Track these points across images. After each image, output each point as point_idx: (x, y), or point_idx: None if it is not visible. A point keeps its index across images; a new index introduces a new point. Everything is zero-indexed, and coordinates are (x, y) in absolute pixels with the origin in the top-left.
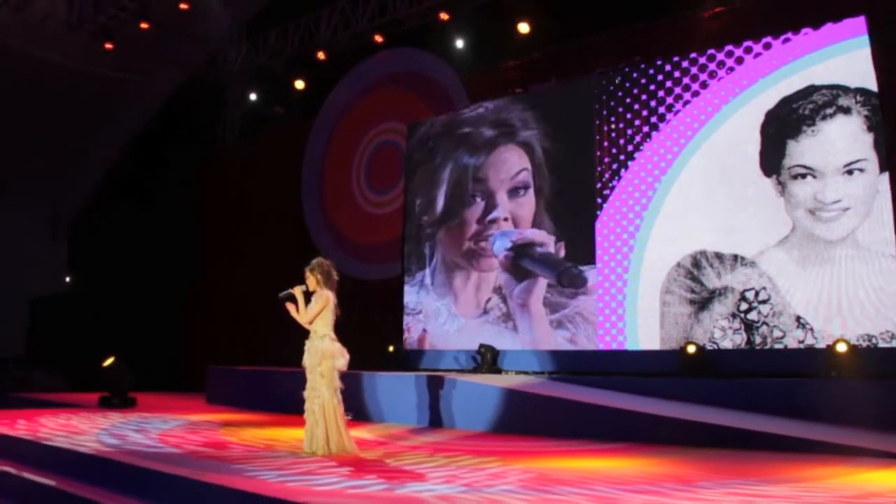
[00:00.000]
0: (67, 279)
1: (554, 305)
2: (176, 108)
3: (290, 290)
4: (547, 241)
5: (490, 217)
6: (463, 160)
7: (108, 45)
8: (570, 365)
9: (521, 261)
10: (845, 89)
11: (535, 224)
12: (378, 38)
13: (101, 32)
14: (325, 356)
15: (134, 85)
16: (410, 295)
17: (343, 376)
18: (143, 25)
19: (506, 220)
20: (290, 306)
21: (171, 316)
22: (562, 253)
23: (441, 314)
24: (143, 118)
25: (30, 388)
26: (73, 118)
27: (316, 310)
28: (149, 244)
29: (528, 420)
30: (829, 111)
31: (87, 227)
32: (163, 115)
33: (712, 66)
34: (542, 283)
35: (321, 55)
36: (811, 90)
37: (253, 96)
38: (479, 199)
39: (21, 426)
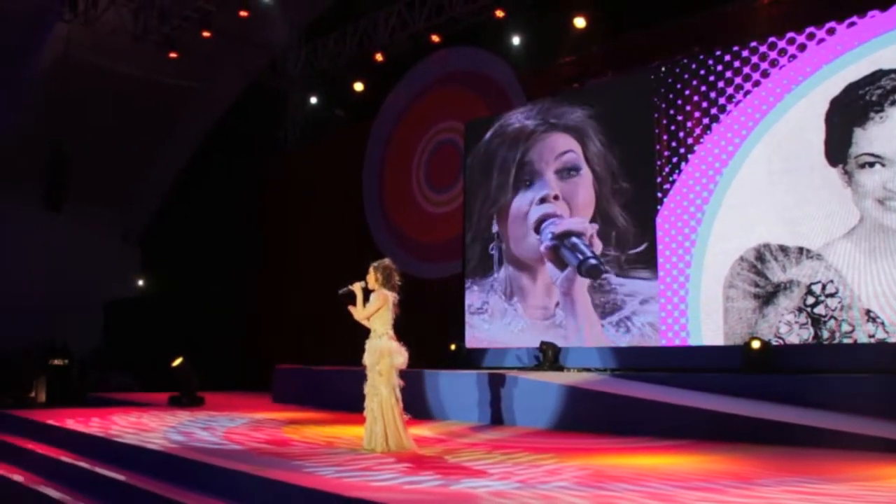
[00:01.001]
0: (139, 283)
1: (613, 301)
2: (238, 114)
3: (350, 287)
4: (585, 230)
5: (541, 195)
6: (520, 156)
7: (173, 55)
8: (632, 362)
9: (560, 250)
10: None
11: (592, 219)
12: (435, 38)
13: (165, 42)
14: (383, 354)
15: (198, 92)
16: (472, 293)
17: (404, 374)
18: (206, 34)
19: (556, 197)
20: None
21: (239, 316)
22: (596, 242)
23: (507, 313)
24: (207, 124)
25: (105, 388)
26: (142, 126)
27: (373, 308)
28: (214, 248)
29: (589, 417)
30: None
31: (156, 232)
32: (226, 121)
33: (773, 55)
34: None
35: (379, 57)
36: (879, 75)
37: (313, 100)
38: (529, 184)
39: (94, 424)
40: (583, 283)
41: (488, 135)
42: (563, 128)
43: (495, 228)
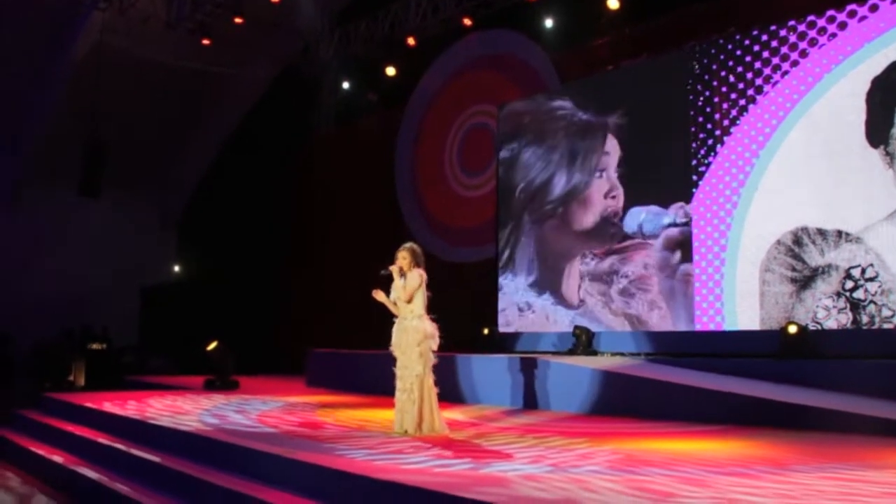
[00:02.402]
0: (175, 268)
1: (648, 284)
2: (272, 100)
3: (389, 269)
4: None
5: (605, 186)
6: (552, 140)
7: (206, 42)
8: (667, 346)
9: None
10: None
11: (628, 202)
12: (467, 21)
13: (198, 29)
14: (426, 335)
15: (231, 78)
16: (506, 277)
17: (437, 358)
18: (238, 20)
19: (613, 196)
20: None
21: (273, 301)
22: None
23: (540, 297)
24: (241, 110)
25: (142, 371)
26: (177, 112)
27: (416, 286)
28: (249, 233)
29: (622, 402)
30: None
31: (192, 218)
32: (259, 107)
33: (812, 34)
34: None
35: (411, 41)
36: None
37: (346, 85)
38: (574, 176)
39: (131, 407)
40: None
41: (522, 118)
42: (604, 119)
43: (530, 214)
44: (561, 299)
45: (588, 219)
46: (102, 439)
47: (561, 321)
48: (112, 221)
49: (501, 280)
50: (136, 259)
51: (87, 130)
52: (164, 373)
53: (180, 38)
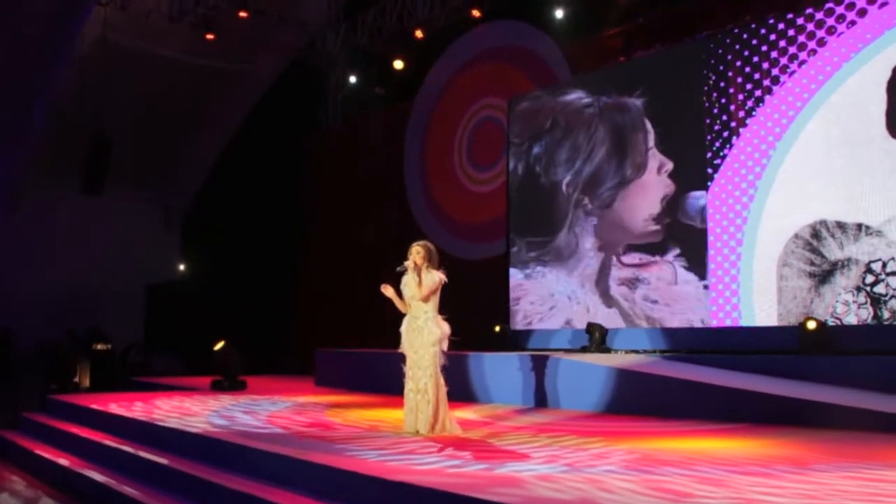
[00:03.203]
0: (181, 266)
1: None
2: (278, 95)
3: (405, 266)
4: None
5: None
6: (584, 130)
7: (210, 36)
8: (682, 343)
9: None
10: None
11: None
12: (475, 13)
13: (202, 24)
14: (444, 335)
15: (237, 73)
16: (517, 274)
17: (448, 356)
18: (242, 14)
19: (666, 170)
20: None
21: (281, 300)
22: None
23: (555, 293)
24: (247, 105)
25: (149, 372)
26: (182, 108)
27: (434, 287)
28: (256, 230)
29: (637, 400)
30: None
31: (197, 215)
32: (266, 102)
33: (831, 22)
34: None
35: (419, 33)
36: None
37: (353, 79)
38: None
39: (137, 408)
40: None
41: (538, 106)
42: (618, 111)
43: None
44: (575, 293)
45: (648, 202)
46: (109, 441)
47: (576, 316)
48: (116, 220)
49: (512, 276)
50: (141, 257)
51: (91, 128)
52: (171, 373)
53: (184, 34)
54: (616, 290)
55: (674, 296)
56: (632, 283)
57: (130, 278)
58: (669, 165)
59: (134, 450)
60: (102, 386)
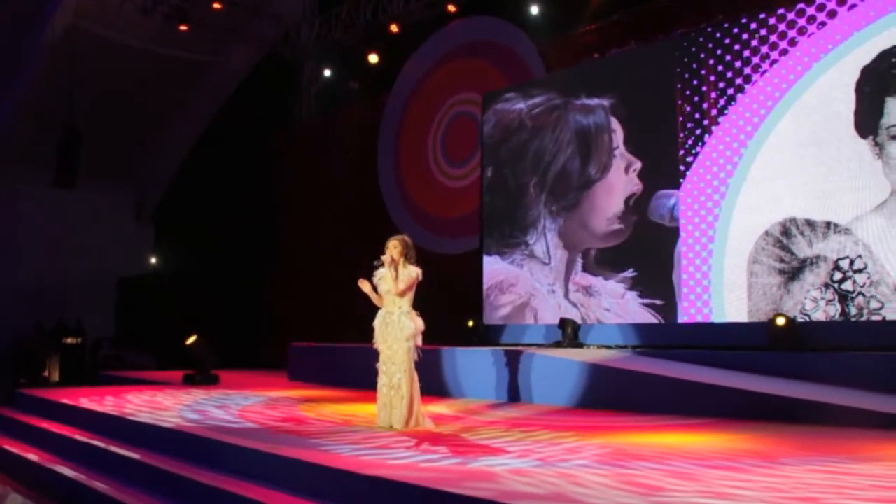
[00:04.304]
0: (152, 260)
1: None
2: (251, 88)
3: (382, 259)
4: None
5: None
6: (553, 129)
7: (183, 27)
8: (653, 339)
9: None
10: None
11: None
12: (451, 8)
13: (175, 15)
14: (417, 331)
15: (210, 65)
16: (490, 268)
17: (420, 351)
18: (217, 6)
19: (634, 169)
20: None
21: (254, 293)
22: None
23: (528, 289)
24: (219, 98)
25: (120, 366)
26: (153, 100)
27: (411, 282)
28: (228, 223)
29: (609, 395)
30: None
31: (169, 208)
32: (239, 95)
33: (802, 22)
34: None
35: (394, 28)
36: None
37: (327, 72)
38: (589, 160)
39: (108, 403)
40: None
41: (509, 107)
42: (585, 99)
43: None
44: (551, 288)
45: (612, 202)
46: (80, 436)
47: (548, 312)
48: (87, 212)
49: (486, 271)
50: (112, 250)
51: (60, 119)
52: (142, 367)
53: (157, 25)
54: (573, 296)
55: (625, 310)
56: (587, 290)
57: (101, 271)
58: (638, 164)
59: (105, 445)
60: (72, 380)
